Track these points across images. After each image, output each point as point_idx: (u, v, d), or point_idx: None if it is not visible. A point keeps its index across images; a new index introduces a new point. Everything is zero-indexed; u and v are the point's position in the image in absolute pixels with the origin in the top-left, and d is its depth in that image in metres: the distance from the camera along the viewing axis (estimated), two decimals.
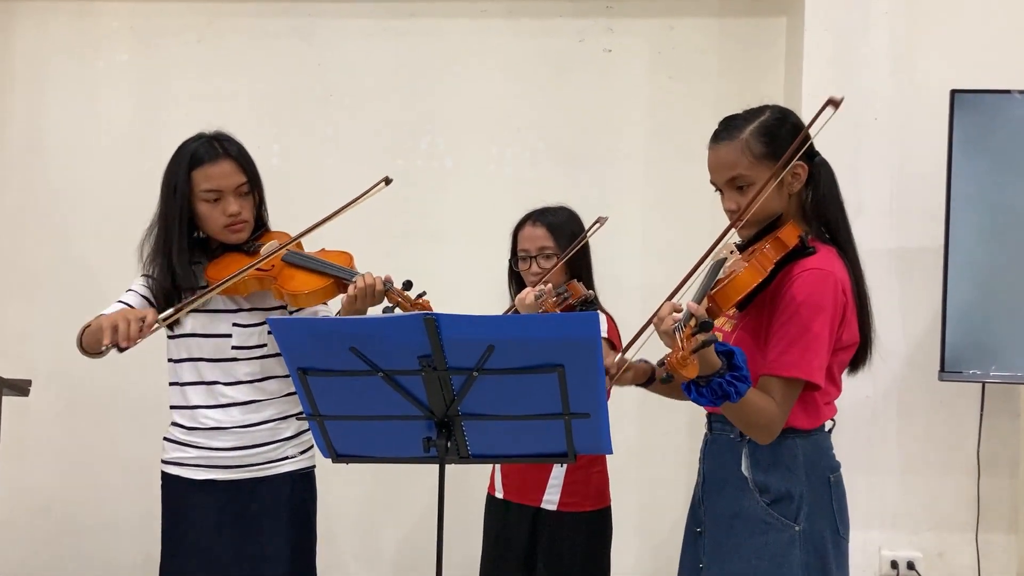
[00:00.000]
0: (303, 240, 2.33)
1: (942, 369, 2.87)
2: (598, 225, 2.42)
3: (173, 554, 2.30)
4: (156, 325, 2.11)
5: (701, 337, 1.56)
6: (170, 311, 2.17)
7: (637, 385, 2.06)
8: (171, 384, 2.32)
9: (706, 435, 2.03)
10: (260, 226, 2.35)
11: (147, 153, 3.57)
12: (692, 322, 1.58)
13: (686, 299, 1.72)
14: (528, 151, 3.59)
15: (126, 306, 2.23)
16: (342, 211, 2.32)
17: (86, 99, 3.71)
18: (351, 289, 2.14)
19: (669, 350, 1.59)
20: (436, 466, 1.76)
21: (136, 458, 3.52)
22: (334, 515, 3.41)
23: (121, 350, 2.08)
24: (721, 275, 1.80)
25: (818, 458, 1.90)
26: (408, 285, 2.17)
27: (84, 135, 3.71)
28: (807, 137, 1.86)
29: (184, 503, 2.29)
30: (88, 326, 2.20)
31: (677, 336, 1.58)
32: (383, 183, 2.36)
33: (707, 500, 1.97)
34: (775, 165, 1.84)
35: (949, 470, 3.07)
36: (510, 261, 2.62)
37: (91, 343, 2.17)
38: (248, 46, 3.65)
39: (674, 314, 1.63)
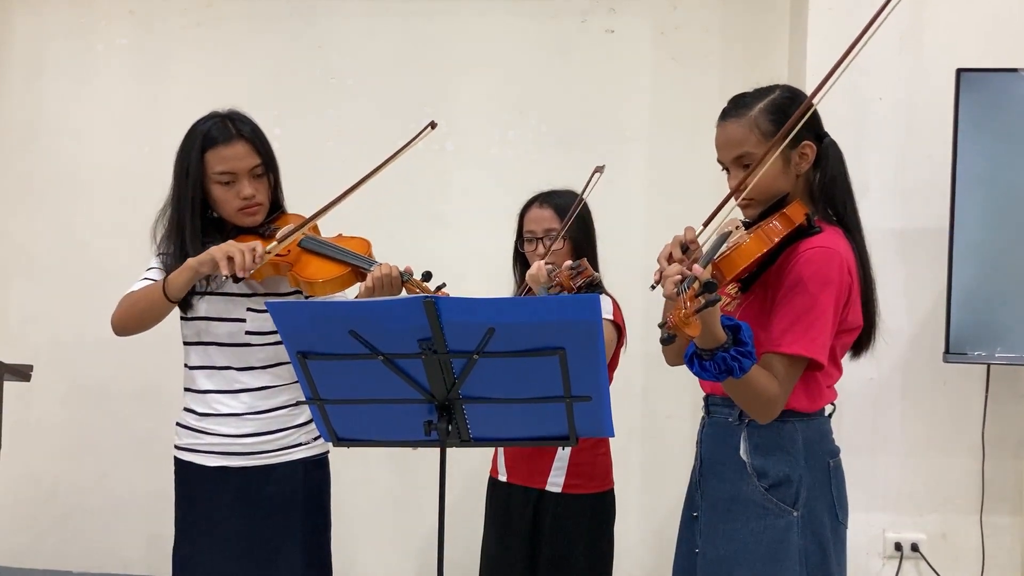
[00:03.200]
0: (320, 223, 2.28)
1: (947, 351, 2.86)
2: (597, 175, 2.38)
3: (187, 540, 2.29)
4: (267, 254, 2.10)
5: (704, 297, 1.55)
6: (275, 243, 2.13)
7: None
8: (185, 367, 2.30)
9: (704, 418, 2.01)
10: (276, 208, 2.31)
11: (147, 136, 3.58)
12: (696, 284, 1.57)
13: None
14: (531, 133, 3.57)
15: (152, 283, 2.19)
16: (385, 166, 2.28)
17: (86, 82, 3.71)
18: (368, 279, 2.10)
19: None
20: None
21: (139, 440, 3.53)
22: (349, 501, 3.42)
23: (237, 281, 2.09)
24: (725, 247, 1.79)
25: (818, 443, 1.89)
26: (428, 276, 2.13)
27: (84, 118, 3.71)
28: (810, 110, 1.83)
29: (198, 490, 2.27)
30: (166, 280, 2.13)
31: (681, 297, 1.57)
32: (429, 127, 2.31)
33: (704, 484, 1.96)
34: (783, 144, 1.81)
35: (953, 452, 3.07)
36: (516, 243, 2.60)
37: (181, 285, 2.11)
38: (248, 28, 3.64)
39: (676, 276, 1.62)
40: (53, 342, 3.62)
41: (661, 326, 1.58)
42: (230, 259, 2.04)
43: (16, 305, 3.73)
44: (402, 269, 2.11)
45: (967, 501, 3.07)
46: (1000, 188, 2.85)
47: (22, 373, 2.67)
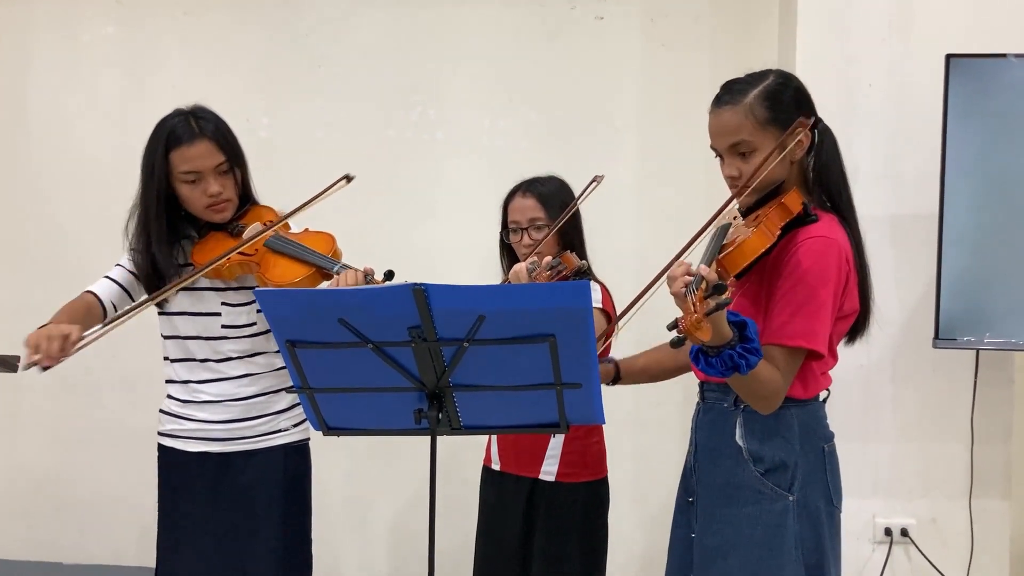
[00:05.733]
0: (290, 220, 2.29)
1: (936, 336, 2.87)
2: (595, 184, 2.37)
3: (169, 526, 2.31)
4: (82, 342, 2.04)
5: (714, 300, 1.54)
6: (97, 328, 2.08)
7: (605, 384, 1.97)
8: (165, 359, 2.32)
9: (698, 404, 2.02)
10: (246, 201, 2.32)
11: (133, 127, 3.50)
12: (704, 285, 1.56)
13: (693, 263, 1.69)
14: (520, 122, 3.56)
15: (112, 281, 2.23)
16: (309, 204, 2.26)
17: (72, 73, 3.68)
18: (332, 284, 2.12)
19: (677, 314, 1.57)
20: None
21: (128, 431, 3.52)
22: (330, 488, 3.42)
23: (44, 369, 2.02)
24: (726, 241, 1.78)
25: (813, 428, 1.89)
26: (390, 275, 2.14)
27: (70, 109, 3.68)
28: (815, 113, 1.84)
29: (179, 475, 2.30)
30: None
31: (689, 299, 1.56)
32: (344, 181, 2.28)
33: (699, 469, 1.97)
34: (778, 130, 1.82)
35: (943, 437, 3.08)
36: (501, 234, 2.59)
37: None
38: (235, 17, 3.61)
39: (685, 277, 1.61)
40: None
41: (671, 328, 1.57)
42: (36, 348, 2.00)
43: (2, 296, 3.71)
44: (363, 271, 2.12)
45: (956, 486, 3.08)
46: (990, 174, 2.85)
47: (9, 364, 2.64)
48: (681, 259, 1.74)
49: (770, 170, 1.83)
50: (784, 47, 3.32)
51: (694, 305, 1.54)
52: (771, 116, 1.83)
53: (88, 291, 2.22)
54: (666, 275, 1.68)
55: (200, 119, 2.22)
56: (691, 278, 1.60)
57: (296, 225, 2.34)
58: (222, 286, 2.26)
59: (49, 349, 2.00)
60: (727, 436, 1.89)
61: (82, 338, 2.05)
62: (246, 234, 2.22)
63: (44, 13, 3.67)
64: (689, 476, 2.01)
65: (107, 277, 2.25)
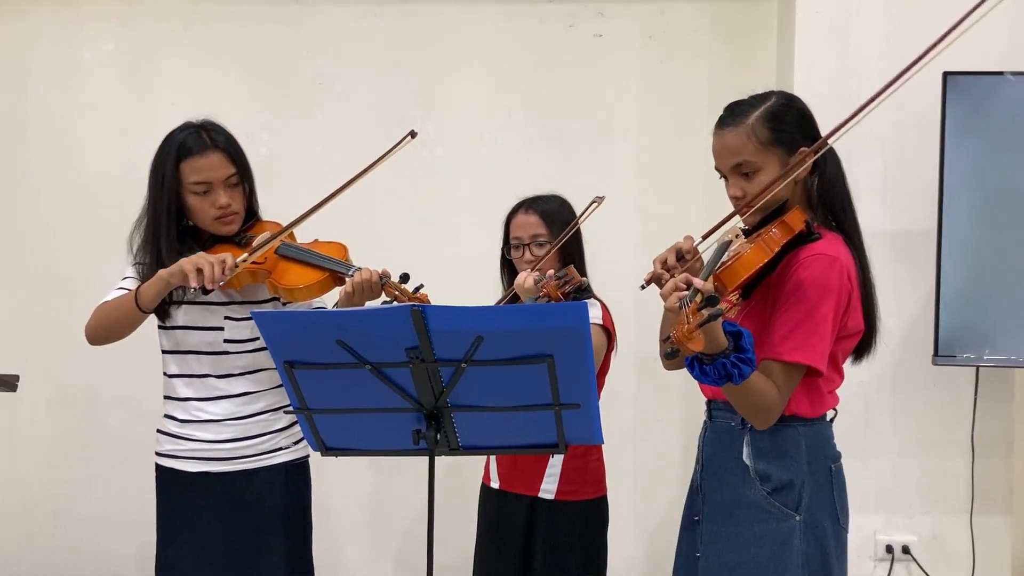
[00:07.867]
0: (297, 231, 2.30)
1: (936, 353, 2.87)
2: (595, 205, 2.39)
3: (169, 546, 2.30)
4: (237, 267, 2.10)
5: (707, 311, 1.55)
6: (246, 255, 2.14)
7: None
8: (164, 375, 2.31)
9: (705, 422, 2.02)
10: (251, 216, 2.33)
11: (134, 143, 3.55)
12: (698, 297, 1.58)
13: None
14: (519, 138, 3.56)
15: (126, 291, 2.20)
16: (363, 176, 2.30)
17: (72, 89, 3.68)
18: (348, 285, 2.12)
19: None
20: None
21: (128, 448, 3.50)
22: (331, 505, 3.41)
23: (206, 292, 2.09)
24: (727, 257, 1.79)
25: (820, 447, 1.89)
26: (405, 278, 2.15)
27: (70, 125, 3.68)
28: (818, 133, 1.86)
29: (179, 496, 2.29)
30: (138, 291, 2.14)
31: (683, 310, 1.57)
32: (409, 136, 2.34)
33: (706, 488, 1.96)
34: (780, 151, 1.84)
35: (944, 454, 3.07)
36: (503, 250, 2.60)
37: (152, 296, 2.11)
38: (235, 33, 3.62)
39: (679, 292, 1.63)
40: (40, 349, 3.60)
41: (664, 340, 1.58)
42: (199, 271, 2.05)
43: (2, 312, 3.71)
44: (379, 272, 2.12)
45: (958, 502, 3.07)
46: (987, 190, 2.86)
47: (8, 383, 2.64)
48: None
49: (774, 191, 1.84)
50: (782, 63, 3.33)
51: (688, 317, 1.56)
52: (774, 137, 1.85)
53: (105, 302, 2.21)
54: (653, 275, 1.75)
55: (211, 131, 2.24)
56: (686, 292, 1.61)
57: (306, 237, 2.34)
58: (226, 300, 2.26)
59: (214, 273, 2.04)
60: (734, 455, 1.89)
61: (236, 265, 2.10)
62: (256, 242, 2.21)
63: (44, 30, 3.68)
64: (695, 495, 2.01)
65: (120, 288, 2.23)
